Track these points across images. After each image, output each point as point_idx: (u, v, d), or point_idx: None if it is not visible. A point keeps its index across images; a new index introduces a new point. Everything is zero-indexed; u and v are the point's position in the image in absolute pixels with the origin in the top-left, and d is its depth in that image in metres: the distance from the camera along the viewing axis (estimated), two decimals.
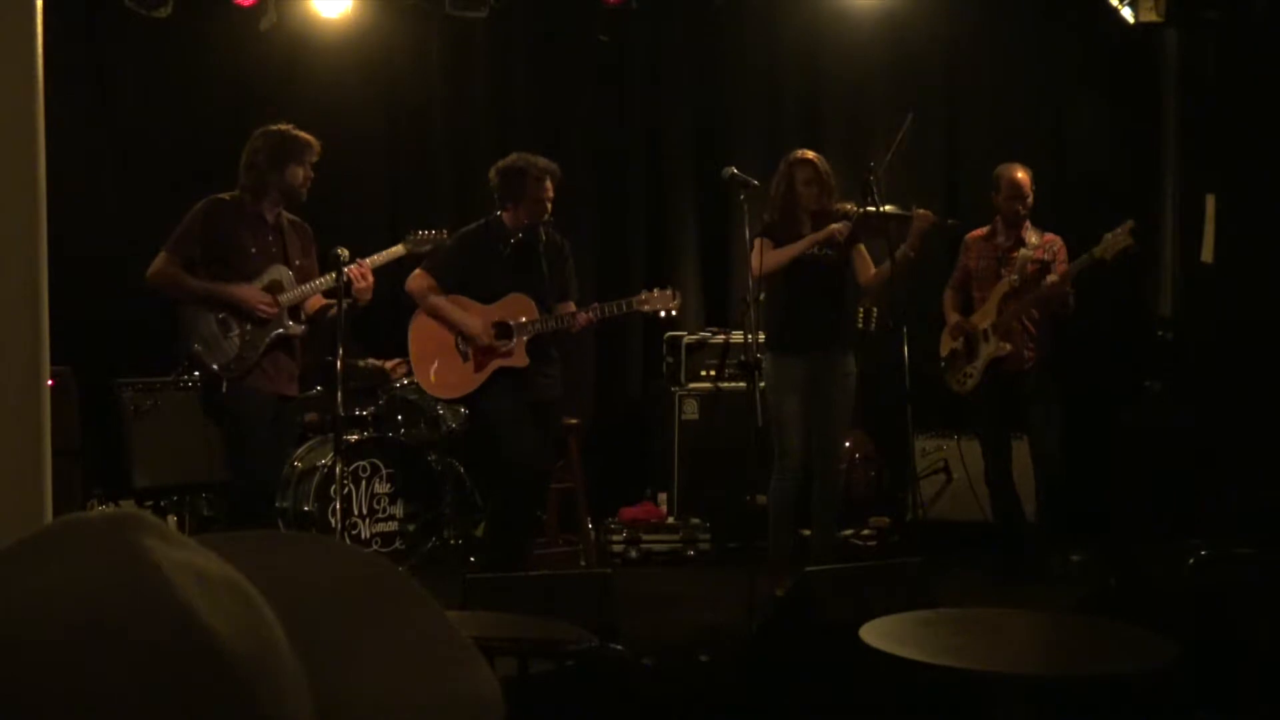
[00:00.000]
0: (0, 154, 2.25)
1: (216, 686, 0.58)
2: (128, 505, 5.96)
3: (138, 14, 6.29)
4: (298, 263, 4.97)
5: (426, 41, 7.10)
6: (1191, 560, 5.17)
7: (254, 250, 4.88)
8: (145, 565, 0.60)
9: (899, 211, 5.39)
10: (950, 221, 5.87)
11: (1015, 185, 5.79)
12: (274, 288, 4.89)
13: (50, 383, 2.37)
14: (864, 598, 3.80)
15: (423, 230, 5.23)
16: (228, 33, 6.67)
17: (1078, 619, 3.80)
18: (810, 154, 5.49)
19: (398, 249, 5.12)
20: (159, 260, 4.87)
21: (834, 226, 5.35)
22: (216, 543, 0.68)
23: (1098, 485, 6.54)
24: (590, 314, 5.38)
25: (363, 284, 4.82)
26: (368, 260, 4.91)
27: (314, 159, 4.93)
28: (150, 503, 6.02)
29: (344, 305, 4.75)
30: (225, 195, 4.94)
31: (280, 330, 4.88)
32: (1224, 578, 4.98)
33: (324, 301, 5.00)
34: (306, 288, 4.92)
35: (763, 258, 5.20)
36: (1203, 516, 5.84)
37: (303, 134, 4.92)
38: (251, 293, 4.82)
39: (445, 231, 5.27)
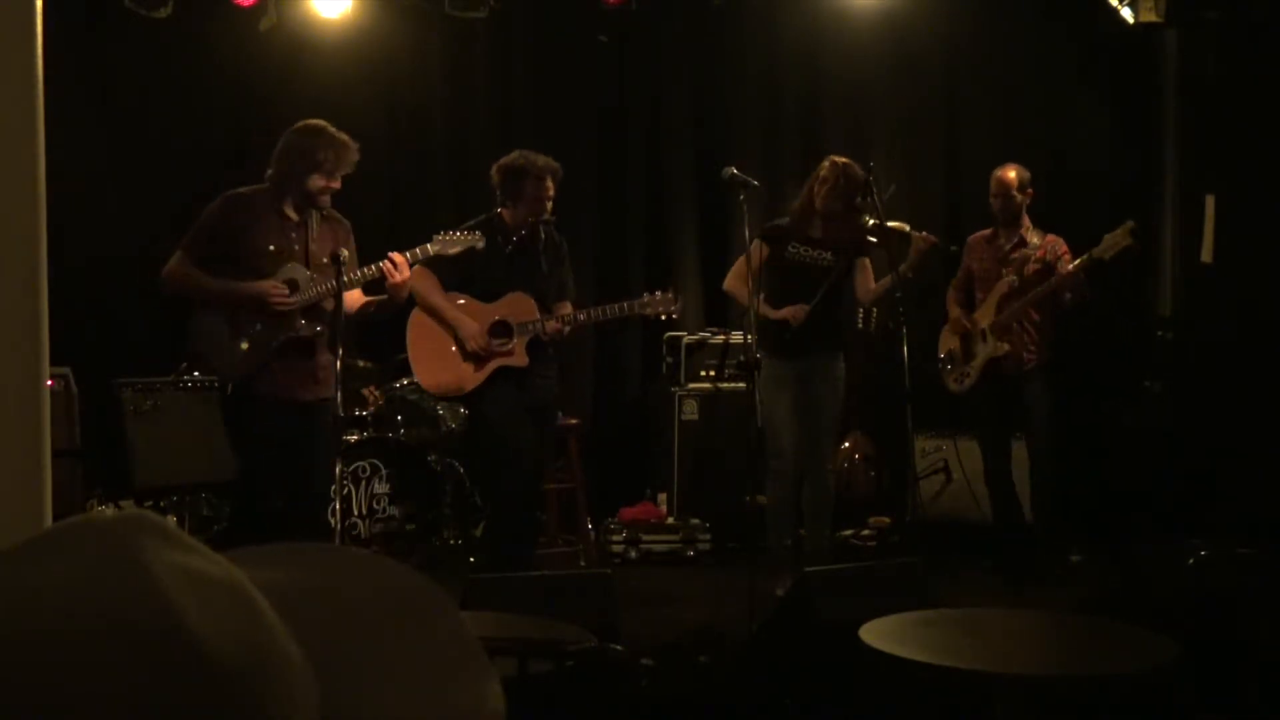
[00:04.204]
0: (0, 154, 2.25)
1: (195, 686, 0.58)
2: (128, 505, 5.96)
3: (138, 14, 6.29)
4: (325, 261, 4.63)
5: (426, 41, 7.10)
6: (1191, 560, 5.18)
7: (271, 248, 4.59)
8: (134, 564, 0.60)
9: (902, 229, 5.42)
10: (953, 248, 5.90)
11: (997, 182, 5.81)
12: (289, 286, 4.59)
13: (50, 383, 2.37)
14: (864, 598, 3.79)
15: (454, 231, 4.94)
16: (228, 33, 6.67)
17: (1078, 619, 3.80)
18: (842, 158, 5.46)
19: (426, 248, 4.83)
20: (173, 259, 4.61)
21: (788, 311, 5.37)
22: (245, 555, 0.68)
23: (1097, 485, 6.55)
24: (559, 323, 5.26)
25: (396, 278, 4.59)
26: (401, 255, 4.67)
27: (343, 168, 4.62)
28: (150, 503, 6.02)
29: (341, 306, 4.58)
30: (245, 189, 4.66)
31: (291, 333, 4.59)
32: (1224, 578, 4.98)
33: (364, 299, 4.81)
34: (323, 289, 4.63)
35: (750, 281, 5.17)
36: (1203, 516, 5.84)
37: (337, 140, 4.61)
38: (264, 286, 4.53)
39: (478, 233, 4.99)
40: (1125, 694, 3.27)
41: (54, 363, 2.47)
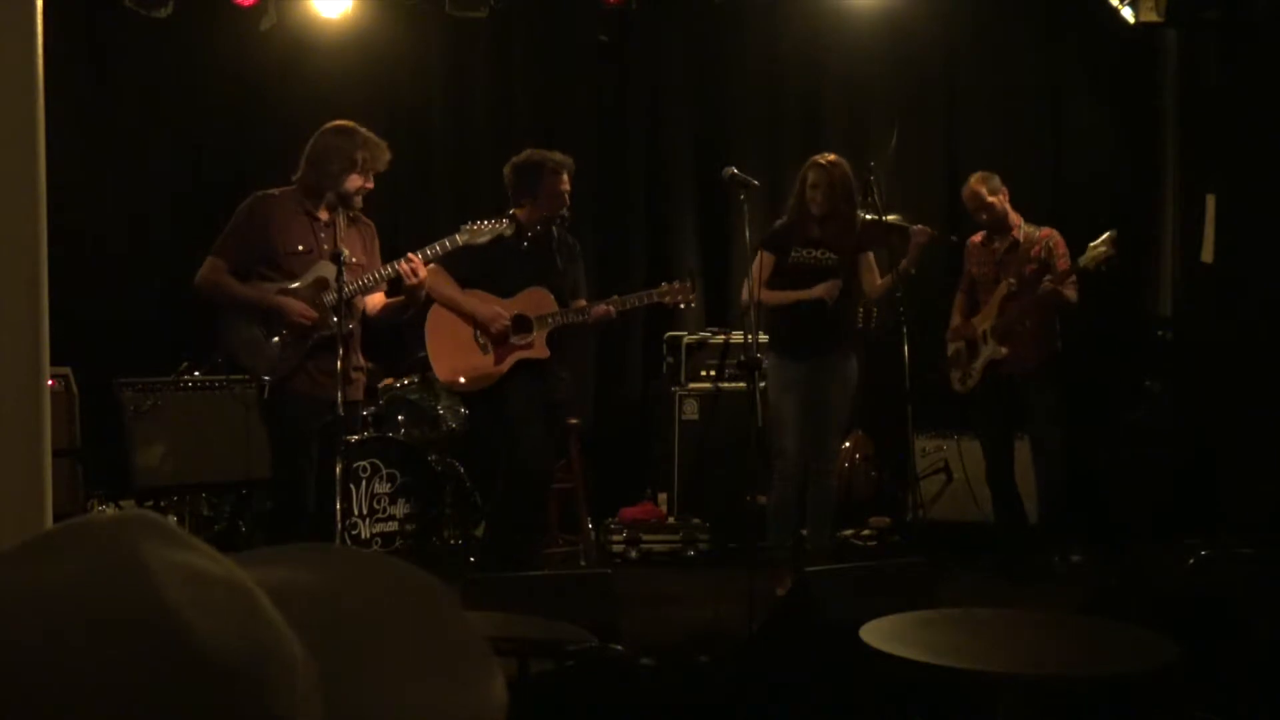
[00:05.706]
0: (1, 153, 2.25)
1: (192, 683, 0.58)
2: (128, 505, 5.96)
3: (138, 14, 6.29)
4: (354, 260, 4.63)
5: (426, 41, 7.10)
6: (1191, 560, 5.17)
7: (301, 248, 4.61)
8: (132, 563, 0.60)
9: (900, 224, 5.43)
10: (953, 237, 5.89)
11: (969, 198, 5.87)
12: (319, 284, 4.59)
13: (50, 383, 2.37)
14: (864, 598, 3.79)
15: (482, 221, 4.88)
16: (228, 33, 6.68)
17: (1078, 619, 3.79)
18: (827, 158, 5.46)
19: (455, 239, 4.79)
20: (205, 266, 4.61)
21: (822, 288, 5.36)
22: (250, 556, 0.68)
23: (1098, 485, 6.55)
24: (608, 306, 5.31)
25: (414, 280, 4.59)
26: (418, 253, 4.65)
27: (377, 168, 4.65)
28: (150, 503, 6.02)
29: (343, 308, 4.56)
30: (275, 190, 4.67)
31: (325, 332, 4.57)
32: (1224, 578, 4.97)
33: (386, 300, 4.80)
34: (353, 286, 4.61)
35: (760, 290, 5.19)
36: (1203, 516, 5.84)
37: (371, 140, 4.63)
38: (292, 304, 4.56)
39: (506, 221, 4.95)
40: (1125, 694, 3.27)
41: (54, 363, 2.48)
